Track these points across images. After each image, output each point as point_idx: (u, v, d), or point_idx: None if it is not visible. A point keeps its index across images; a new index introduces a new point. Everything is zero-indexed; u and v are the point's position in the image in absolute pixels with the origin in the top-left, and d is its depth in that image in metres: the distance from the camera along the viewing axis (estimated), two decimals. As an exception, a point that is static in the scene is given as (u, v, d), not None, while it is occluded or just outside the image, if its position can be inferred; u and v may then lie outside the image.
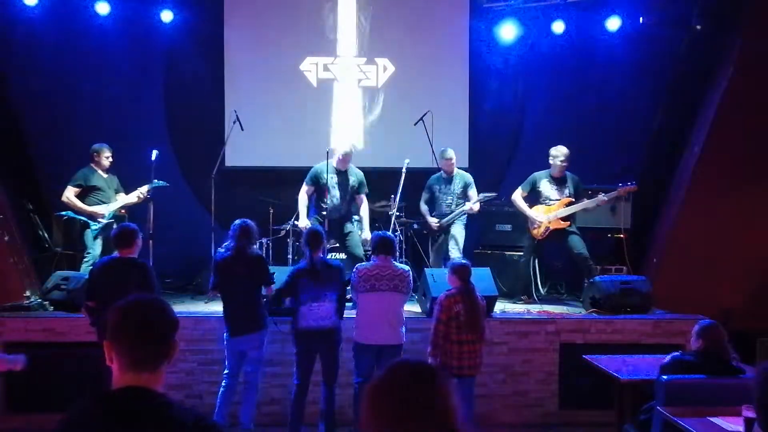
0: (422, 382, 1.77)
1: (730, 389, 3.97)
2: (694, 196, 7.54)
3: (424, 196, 7.51)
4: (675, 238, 7.65)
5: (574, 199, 7.16)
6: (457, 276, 5.15)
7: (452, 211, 7.33)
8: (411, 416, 1.72)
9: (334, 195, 6.96)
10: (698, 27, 7.76)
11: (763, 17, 7.31)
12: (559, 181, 7.22)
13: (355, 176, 7.07)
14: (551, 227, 7.13)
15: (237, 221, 5.42)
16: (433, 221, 7.37)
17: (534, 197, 7.28)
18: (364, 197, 7.15)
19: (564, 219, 7.13)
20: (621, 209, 7.55)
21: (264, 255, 5.72)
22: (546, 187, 7.22)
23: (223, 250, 5.50)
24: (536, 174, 7.29)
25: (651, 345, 6.26)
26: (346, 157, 6.98)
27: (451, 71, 8.81)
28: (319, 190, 7.01)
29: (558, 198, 7.18)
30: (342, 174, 7.01)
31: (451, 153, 7.40)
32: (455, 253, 7.15)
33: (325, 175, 6.94)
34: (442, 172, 7.42)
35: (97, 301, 4.91)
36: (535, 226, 7.19)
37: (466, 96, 8.80)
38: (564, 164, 7.13)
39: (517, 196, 7.31)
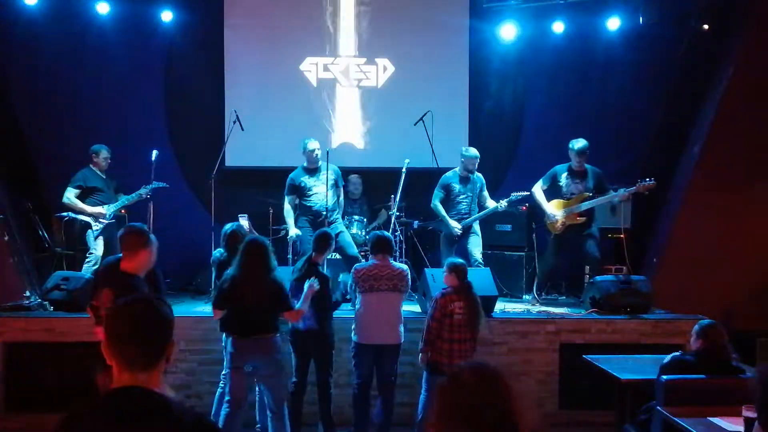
0: (491, 384, 1.83)
1: (730, 389, 3.97)
2: (694, 196, 7.53)
3: (439, 195, 7.16)
4: (675, 238, 7.65)
5: (591, 195, 7.04)
6: (455, 275, 5.19)
7: (471, 212, 7.21)
8: (483, 418, 1.78)
9: (316, 193, 7.04)
10: (706, 27, 7.72)
11: (763, 17, 7.31)
12: (579, 175, 7.09)
13: (332, 170, 7.11)
14: (567, 222, 7.03)
15: (227, 227, 5.41)
16: (456, 224, 7.09)
17: (554, 191, 7.15)
18: (340, 191, 7.32)
19: (581, 215, 7.02)
20: (621, 209, 7.53)
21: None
22: (566, 182, 7.10)
23: (218, 254, 5.50)
24: (557, 167, 7.18)
25: (651, 345, 6.27)
26: (315, 154, 7.05)
27: (451, 71, 8.80)
28: (301, 195, 7.10)
29: (577, 192, 7.07)
30: (318, 171, 7.08)
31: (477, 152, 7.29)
32: (478, 253, 7.11)
33: (300, 180, 7.06)
34: (461, 171, 7.20)
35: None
36: (552, 220, 7.08)
37: (466, 96, 8.79)
38: (581, 157, 7.02)
39: (537, 189, 7.17)
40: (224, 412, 4.85)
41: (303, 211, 7.13)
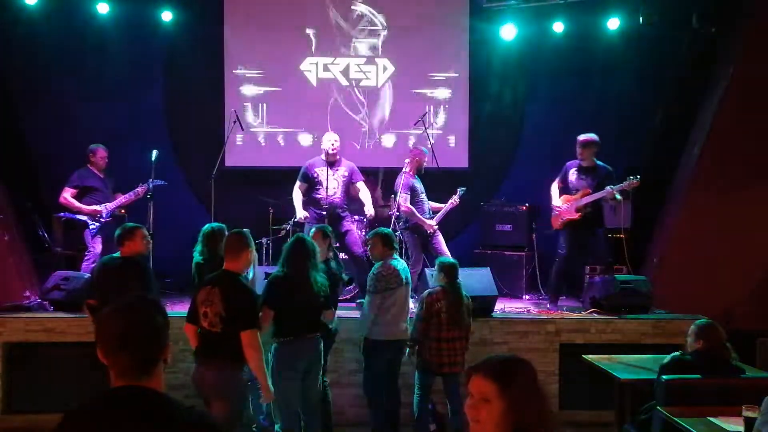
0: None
1: (730, 389, 3.97)
2: (694, 196, 7.53)
3: (408, 197, 6.95)
4: (675, 238, 7.64)
5: (591, 191, 6.91)
6: (445, 273, 5.24)
7: (431, 210, 7.15)
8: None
9: (327, 187, 6.97)
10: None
11: (764, 17, 7.31)
12: (586, 171, 7.00)
13: (346, 166, 7.07)
14: (566, 217, 6.96)
15: (206, 227, 5.38)
16: (431, 222, 7.06)
17: (566, 187, 7.12)
18: (360, 184, 7.16)
19: (577, 210, 6.92)
20: (621, 209, 7.52)
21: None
22: (573, 177, 7.05)
23: (197, 254, 5.46)
24: (568, 163, 7.15)
25: (651, 345, 6.27)
26: (333, 149, 6.98)
27: (451, 71, 8.81)
28: (312, 186, 7.05)
29: (580, 188, 6.96)
30: (334, 165, 7.03)
31: None
32: (447, 251, 7.09)
33: (315, 170, 7.01)
34: (419, 171, 7.14)
35: (97, 300, 4.94)
36: (554, 214, 7.05)
37: (466, 96, 8.79)
38: (584, 151, 6.92)
39: (554, 186, 7.16)
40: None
41: (310, 203, 7.08)
